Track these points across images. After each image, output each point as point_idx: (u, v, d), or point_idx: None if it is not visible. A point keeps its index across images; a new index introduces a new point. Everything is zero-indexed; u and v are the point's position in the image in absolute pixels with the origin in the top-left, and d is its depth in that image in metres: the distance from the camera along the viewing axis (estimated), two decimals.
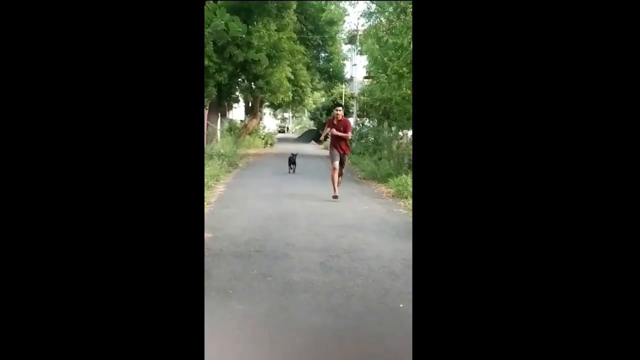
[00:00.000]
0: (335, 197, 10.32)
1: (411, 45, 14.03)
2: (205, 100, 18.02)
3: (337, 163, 10.61)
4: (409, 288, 5.03)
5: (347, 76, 34.57)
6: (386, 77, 16.54)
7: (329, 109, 38.70)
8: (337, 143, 10.67)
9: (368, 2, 21.83)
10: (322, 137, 13.58)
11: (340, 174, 10.81)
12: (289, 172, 14.93)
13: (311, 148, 32.13)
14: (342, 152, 10.76)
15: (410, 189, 11.17)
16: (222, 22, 5.09)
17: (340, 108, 11.10)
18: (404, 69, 14.81)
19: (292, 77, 26.08)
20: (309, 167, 16.81)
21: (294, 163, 15.13)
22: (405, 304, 4.58)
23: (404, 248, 6.63)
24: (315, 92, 40.51)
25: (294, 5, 23.19)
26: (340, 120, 10.76)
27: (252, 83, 23.82)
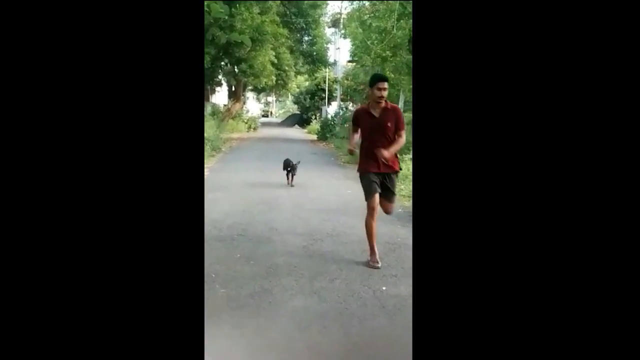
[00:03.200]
0: (374, 264, 5.18)
1: (394, 29, 14.01)
2: None
3: (376, 198, 5.20)
4: (392, 271, 5.06)
5: (331, 60, 34.41)
6: (370, 60, 16.50)
7: (312, 93, 38.59)
8: (374, 154, 5.12)
9: None
10: (351, 147, 5.66)
11: (387, 211, 5.62)
12: (288, 184, 10.22)
13: (294, 132, 32.07)
14: (387, 173, 5.33)
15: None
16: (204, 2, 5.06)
17: (385, 84, 5.04)
18: (387, 52, 14.80)
19: (276, 60, 25.93)
20: (292, 152, 16.78)
21: (294, 169, 10.27)
22: (387, 287, 4.62)
23: (387, 231, 6.66)
24: (298, 76, 40.36)
25: None
26: (385, 107, 5.17)
27: (235, 66, 23.67)
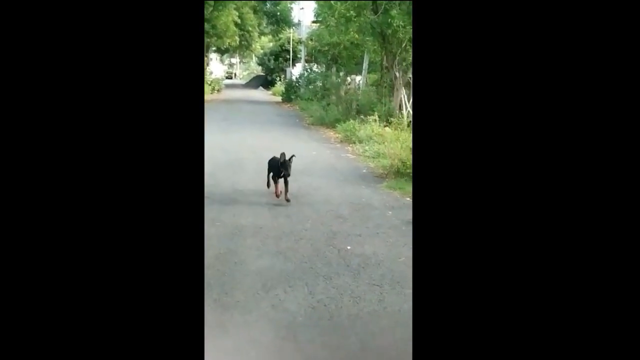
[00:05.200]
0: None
1: None
2: None
3: None
4: (356, 230, 5.14)
5: (295, 20, 33.95)
6: (334, 21, 16.35)
7: (276, 54, 38.16)
8: None
9: None
10: None
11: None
12: (276, 194, 6.29)
13: (259, 94, 31.77)
14: None
15: (358, 134, 11.25)
16: None
17: None
18: (352, 12, 14.66)
19: (239, 20, 25.49)
20: (258, 113, 16.66)
21: (286, 168, 6.23)
22: (352, 246, 4.69)
23: (352, 192, 6.73)
24: (262, 37, 39.73)
25: None
26: None
27: None
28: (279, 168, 6.24)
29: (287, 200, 6.13)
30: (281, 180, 6.25)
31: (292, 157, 6.34)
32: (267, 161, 6.71)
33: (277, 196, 6.22)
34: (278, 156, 6.34)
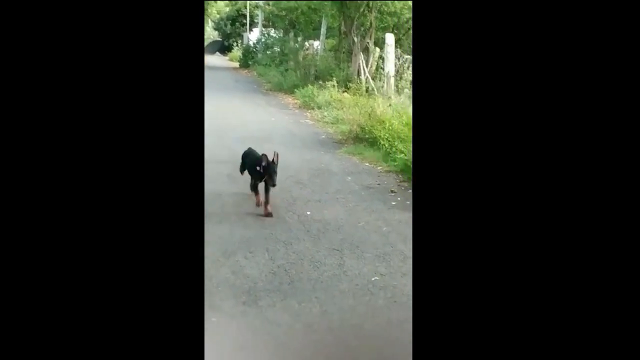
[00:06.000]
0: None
1: None
2: None
3: None
4: (316, 196, 5.16)
5: None
6: None
7: (233, 19, 37.48)
8: None
9: None
10: None
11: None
12: (257, 204, 4.81)
13: (216, 60, 31.24)
14: None
15: (317, 100, 11.22)
16: None
17: None
18: None
19: None
20: (214, 79, 16.42)
21: (269, 172, 4.60)
22: (312, 212, 4.72)
23: (311, 158, 6.74)
24: (218, 1, 38.94)
25: None
26: None
27: None
28: (258, 169, 4.65)
29: (268, 215, 4.58)
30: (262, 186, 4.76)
31: (274, 157, 4.67)
32: (241, 155, 5.30)
33: (258, 204, 4.75)
34: (260, 154, 4.80)
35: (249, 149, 5.26)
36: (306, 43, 18.24)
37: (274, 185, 4.58)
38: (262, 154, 4.67)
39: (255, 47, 24.55)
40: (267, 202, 4.64)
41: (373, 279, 3.51)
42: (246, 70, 22.65)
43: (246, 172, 5.08)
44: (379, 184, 5.85)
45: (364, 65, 12.42)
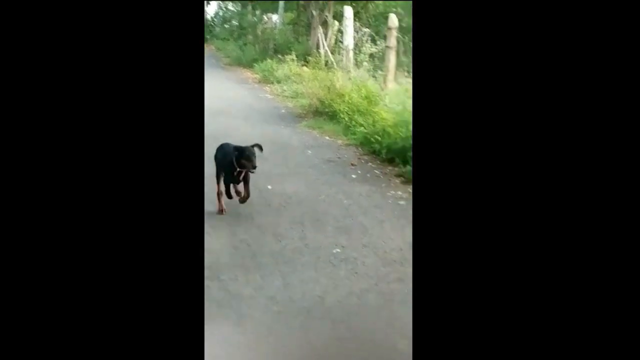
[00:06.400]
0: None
1: None
2: None
3: None
4: (277, 170, 5.17)
5: None
6: None
7: None
8: None
9: None
10: None
11: None
12: (219, 210, 4.09)
13: None
14: None
15: (276, 74, 11.15)
16: None
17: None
18: None
19: None
20: None
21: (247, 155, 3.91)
22: (273, 186, 4.73)
23: (271, 132, 6.73)
24: None
25: None
26: None
27: None
28: (231, 165, 3.90)
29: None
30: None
31: (254, 146, 3.99)
32: (214, 154, 4.23)
33: (221, 211, 4.03)
34: (232, 144, 4.10)
35: (222, 145, 4.21)
36: (264, 16, 18.02)
37: (254, 167, 3.85)
38: (224, 146, 4.10)
39: (213, 20, 24.13)
40: (246, 194, 4.05)
41: (334, 251, 3.55)
42: (204, 45, 22.30)
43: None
44: (339, 158, 5.88)
45: (323, 38, 12.37)
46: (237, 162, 3.89)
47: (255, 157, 3.88)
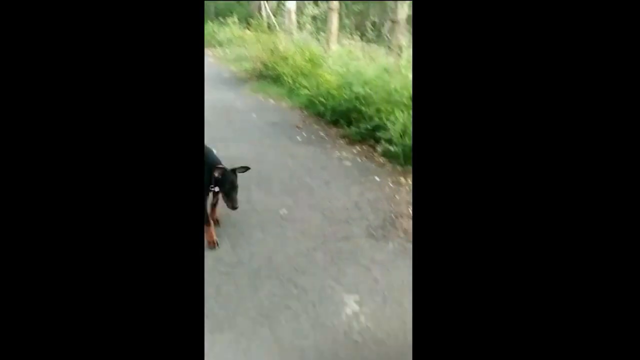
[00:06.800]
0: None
1: None
2: None
3: None
4: (222, 133, 5.13)
5: None
6: None
7: None
8: None
9: None
10: None
11: None
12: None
13: None
14: None
15: (218, 38, 10.98)
16: None
17: None
18: None
19: None
20: None
21: (227, 187, 3.09)
22: (218, 149, 4.69)
23: (215, 96, 6.64)
24: None
25: None
26: None
27: None
28: (212, 187, 3.15)
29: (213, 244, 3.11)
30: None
31: (240, 170, 3.26)
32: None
33: (213, 243, 3.11)
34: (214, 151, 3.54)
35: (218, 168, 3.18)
36: None
37: (234, 207, 3.04)
38: (216, 167, 3.14)
39: None
40: (214, 220, 3.35)
41: (281, 212, 3.58)
42: None
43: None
44: (284, 120, 5.88)
45: (265, 1, 12.19)
46: (216, 190, 3.17)
47: (236, 191, 3.14)
